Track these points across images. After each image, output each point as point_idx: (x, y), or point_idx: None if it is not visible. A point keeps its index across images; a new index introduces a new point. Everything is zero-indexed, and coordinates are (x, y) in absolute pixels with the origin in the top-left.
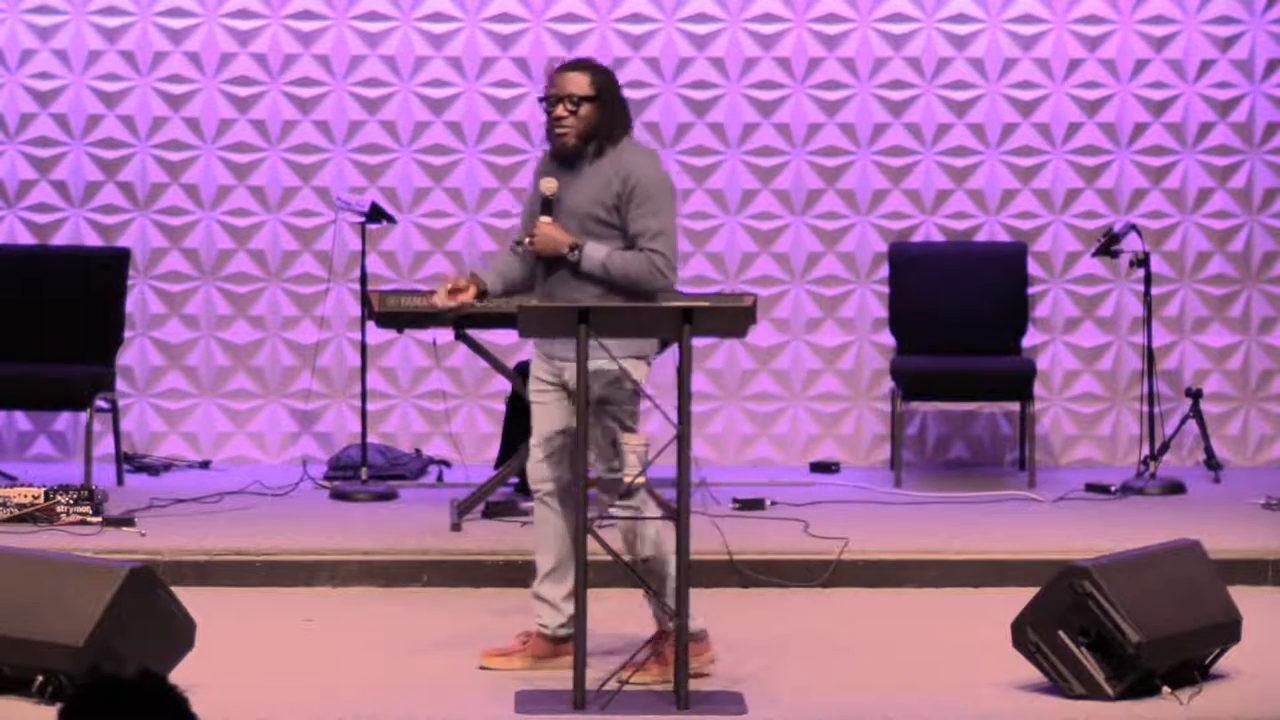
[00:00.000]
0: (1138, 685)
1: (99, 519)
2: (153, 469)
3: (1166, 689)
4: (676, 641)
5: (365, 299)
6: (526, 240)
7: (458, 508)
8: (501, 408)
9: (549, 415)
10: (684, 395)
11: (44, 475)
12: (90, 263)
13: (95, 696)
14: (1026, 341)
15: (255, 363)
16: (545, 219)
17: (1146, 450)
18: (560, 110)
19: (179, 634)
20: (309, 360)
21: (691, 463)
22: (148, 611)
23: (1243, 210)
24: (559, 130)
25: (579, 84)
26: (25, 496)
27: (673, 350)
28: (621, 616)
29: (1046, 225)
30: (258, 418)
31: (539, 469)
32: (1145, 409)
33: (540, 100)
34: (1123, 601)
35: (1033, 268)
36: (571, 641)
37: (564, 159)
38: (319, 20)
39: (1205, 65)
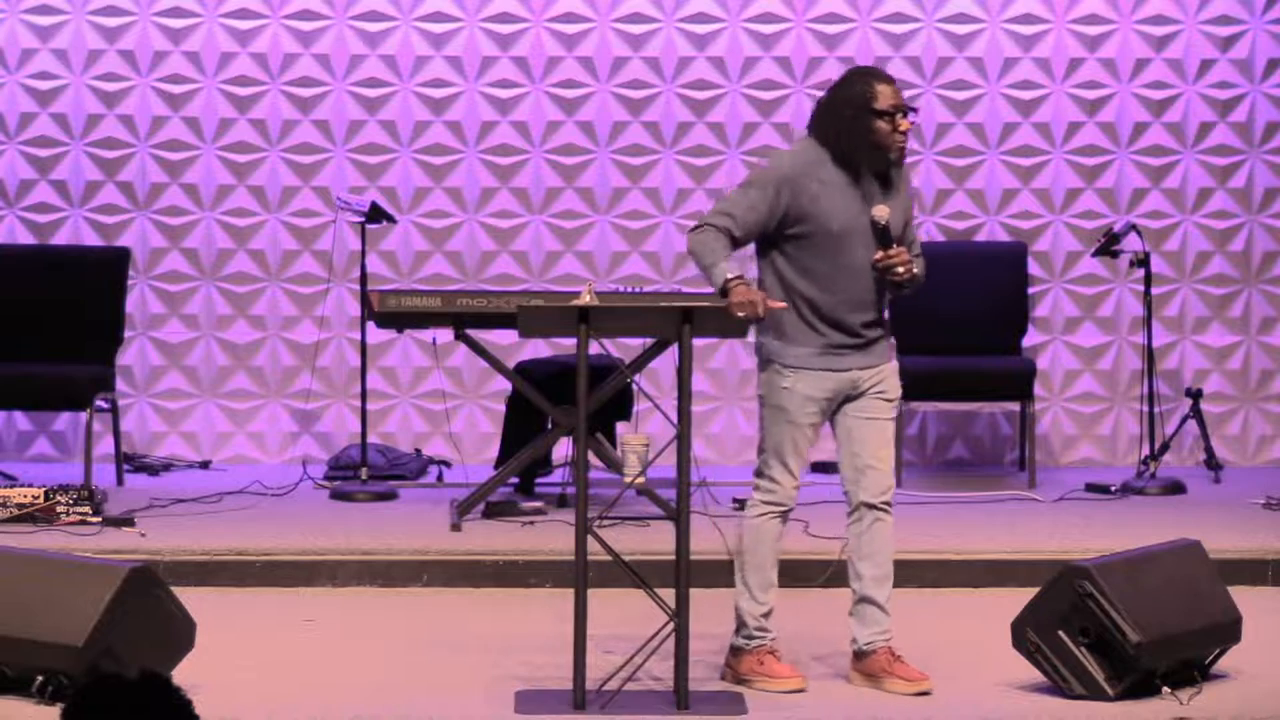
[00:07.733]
0: (1138, 685)
1: (99, 519)
2: (153, 469)
3: (1166, 689)
4: (677, 641)
5: (365, 299)
6: (901, 273)
7: (458, 508)
8: (501, 408)
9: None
10: (684, 395)
11: (44, 475)
12: (90, 263)
13: (98, 697)
14: (1026, 341)
15: (255, 363)
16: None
17: (1146, 450)
18: (907, 123)
19: (179, 634)
20: (309, 360)
21: (691, 463)
22: (148, 611)
23: (1243, 210)
24: (904, 144)
25: None
26: (25, 496)
27: (673, 350)
28: (622, 617)
29: (1046, 225)
30: (258, 418)
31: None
32: (1145, 409)
33: (885, 113)
34: (1123, 601)
35: (1033, 268)
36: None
37: (881, 175)
38: (319, 20)
39: (1205, 65)
